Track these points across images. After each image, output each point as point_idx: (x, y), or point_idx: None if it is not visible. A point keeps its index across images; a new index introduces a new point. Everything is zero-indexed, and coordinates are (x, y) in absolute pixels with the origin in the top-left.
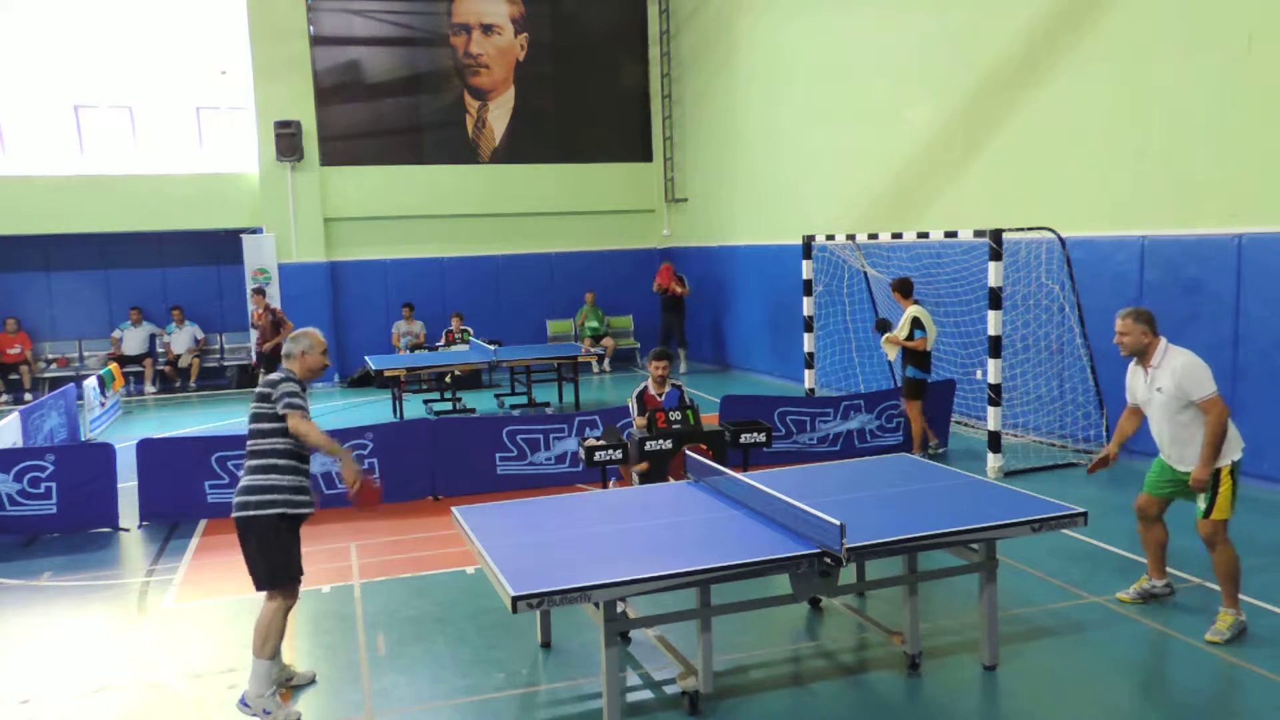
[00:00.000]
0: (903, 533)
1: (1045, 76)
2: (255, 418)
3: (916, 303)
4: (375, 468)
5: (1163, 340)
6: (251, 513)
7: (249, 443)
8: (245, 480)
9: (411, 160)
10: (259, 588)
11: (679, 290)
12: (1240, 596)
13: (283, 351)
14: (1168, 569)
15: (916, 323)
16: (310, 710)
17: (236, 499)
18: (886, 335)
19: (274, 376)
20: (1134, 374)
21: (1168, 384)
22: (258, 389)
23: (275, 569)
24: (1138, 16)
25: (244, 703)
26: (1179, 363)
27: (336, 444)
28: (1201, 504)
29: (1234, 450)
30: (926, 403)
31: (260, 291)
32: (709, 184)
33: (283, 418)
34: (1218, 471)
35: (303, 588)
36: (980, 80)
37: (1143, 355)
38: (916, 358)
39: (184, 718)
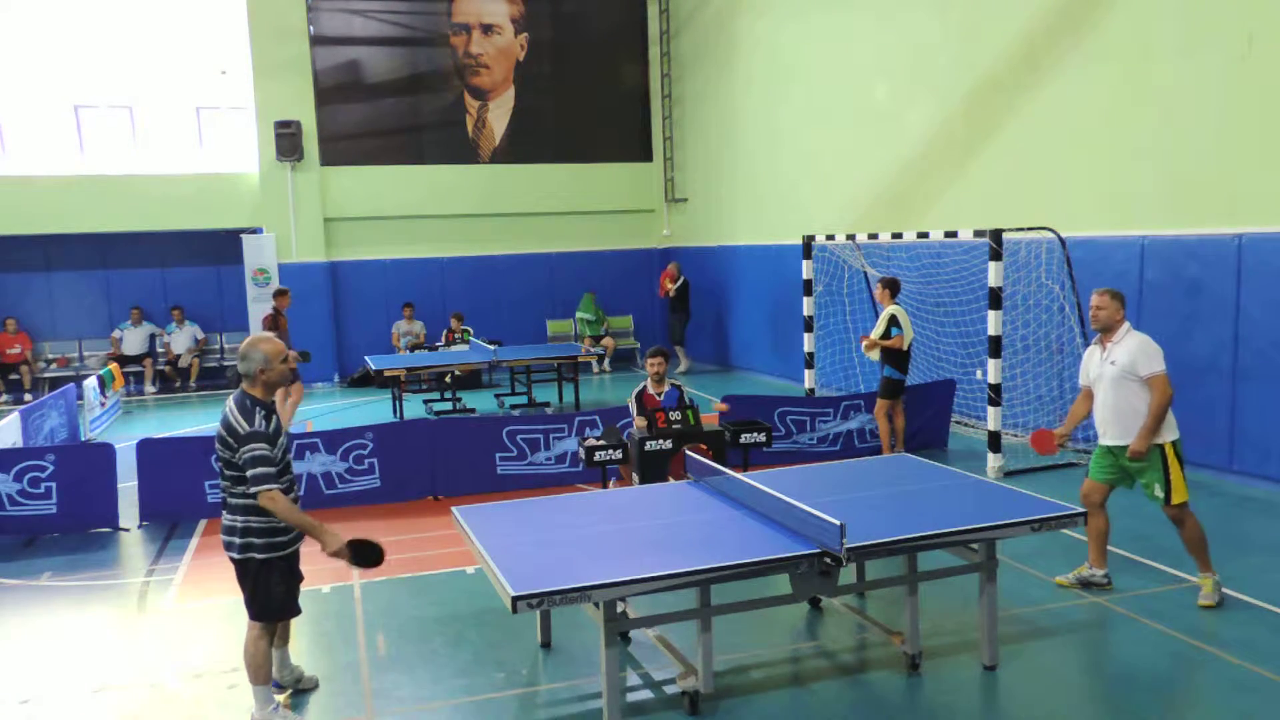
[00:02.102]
0: (903, 533)
1: (1045, 76)
2: (224, 461)
3: (897, 303)
4: (375, 468)
5: (1128, 323)
6: (237, 555)
7: (224, 483)
8: (226, 518)
9: (411, 160)
10: (250, 617)
11: (669, 287)
12: (1238, 596)
13: (240, 370)
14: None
15: (894, 320)
16: (310, 710)
17: (227, 538)
18: (864, 338)
19: (237, 425)
20: (1090, 353)
21: (1122, 358)
22: (219, 427)
23: (266, 608)
24: (1138, 16)
25: None
26: (1136, 341)
27: (310, 520)
28: (1159, 492)
29: (1173, 430)
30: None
31: (284, 293)
32: (709, 184)
33: (246, 476)
34: (1163, 454)
35: (303, 587)
36: (980, 80)
37: (1108, 331)
38: (894, 358)
39: (184, 718)
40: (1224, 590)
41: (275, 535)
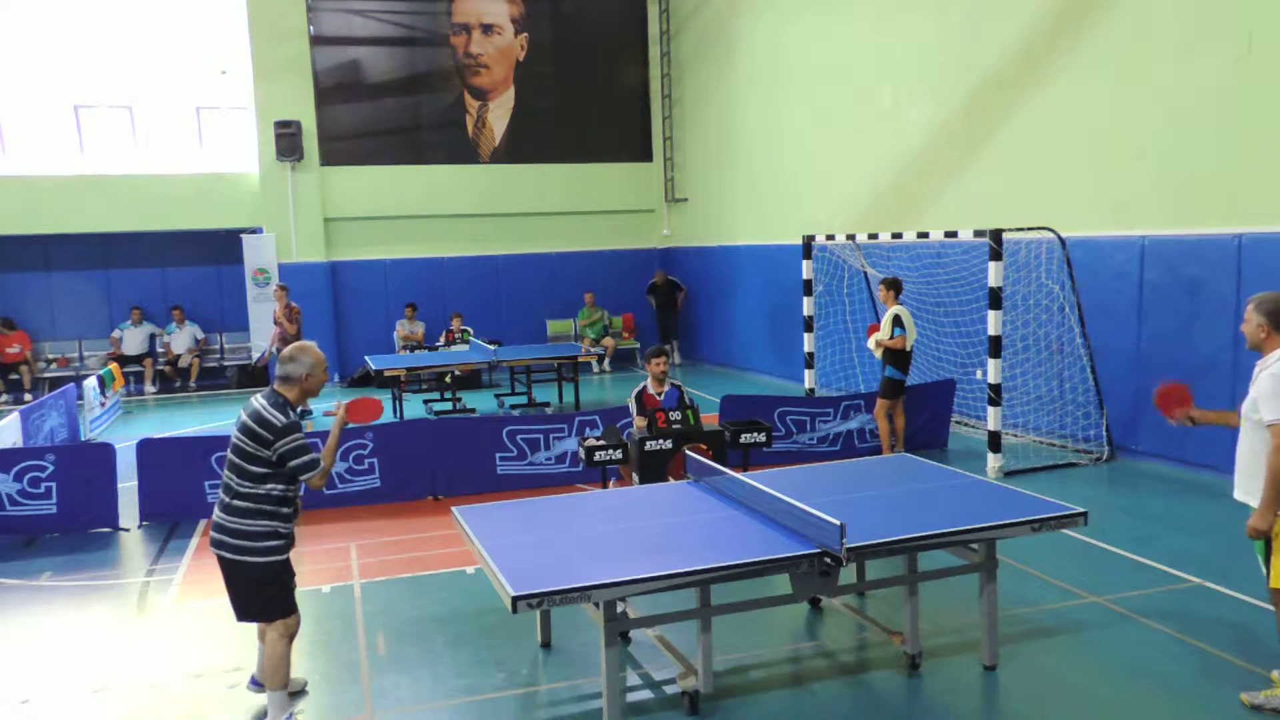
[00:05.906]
0: (903, 533)
1: (1045, 76)
2: (245, 456)
3: (900, 303)
4: (375, 468)
5: None
6: (245, 558)
7: (234, 479)
8: (233, 522)
9: (411, 160)
10: (244, 619)
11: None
12: (1237, 596)
13: (278, 372)
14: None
15: (897, 320)
16: (310, 710)
17: (223, 538)
18: (875, 336)
19: (272, 418)
20: None
21: (1253, 390)
22: (247, 419)
23: (272, 606)
24: (1138, 16)
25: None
26: (1274, 370)
27: (333, 444)
28: (1262, 565)
29: None
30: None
31: (285, 288)
32: (709, 184)
33: (289, 468)
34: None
35: (303, 587)
36: (980, 80)
37: (1260, 352)
38: (895, 358)
39: (184, 718)
40: (1224, 590)
41: (273, 539)
